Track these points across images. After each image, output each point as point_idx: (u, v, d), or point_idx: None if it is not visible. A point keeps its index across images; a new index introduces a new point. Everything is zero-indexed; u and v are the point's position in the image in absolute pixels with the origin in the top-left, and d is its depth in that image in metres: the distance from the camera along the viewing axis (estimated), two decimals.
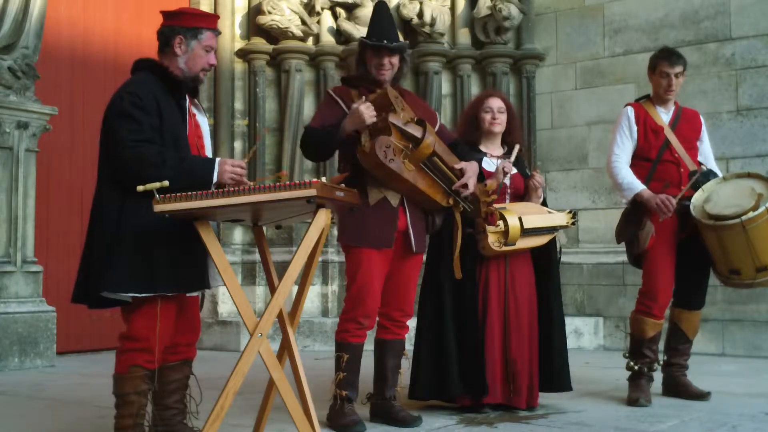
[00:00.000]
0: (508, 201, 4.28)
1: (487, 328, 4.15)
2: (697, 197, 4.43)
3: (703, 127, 4.74)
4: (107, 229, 3.02)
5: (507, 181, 4.27)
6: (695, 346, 4.95)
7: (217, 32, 3.29)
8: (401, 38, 4.06)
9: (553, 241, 4.34)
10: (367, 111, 3.62)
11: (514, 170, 4.31)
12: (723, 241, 4.35)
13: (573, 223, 4.36)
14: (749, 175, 4.50)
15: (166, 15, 3.26)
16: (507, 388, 4.15)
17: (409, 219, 3.88)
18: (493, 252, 4.10)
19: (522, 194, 4.37)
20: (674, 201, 4.37)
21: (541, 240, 4.25)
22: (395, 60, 3.87)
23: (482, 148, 4.36)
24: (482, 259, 4.19)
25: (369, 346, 3.96)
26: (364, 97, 3.72)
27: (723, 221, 4.28)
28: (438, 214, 4.00)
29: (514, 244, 4.11)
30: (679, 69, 4.59)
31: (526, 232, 4.13)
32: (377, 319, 4.00)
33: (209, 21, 3.28)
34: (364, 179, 3.76)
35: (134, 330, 3.07)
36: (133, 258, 2.98)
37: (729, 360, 6.50)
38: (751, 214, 4.20)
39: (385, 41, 3.80)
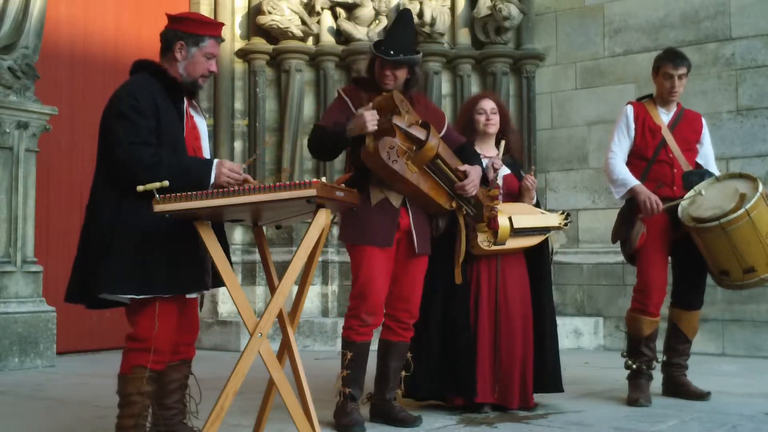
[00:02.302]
0: (501, 201, 4.28)
1: (478, 328, 4.16)
2: (686, 199, 4.44)
3: (704, 130, 4.72)
4: (104, 228, 3.02)
5: (500, 181, 4.28)
6: (695, 346, 4.95)
7: (220, 40, 3.28)
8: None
9: (545, 242, 4.35)
10: (370, 117, 3.62)
11: (503, 167, 4.34)
12: (707, 243, 4.37)
13: (566, 224, 4.37)
14: (740, 176, 4.48)
15: (171, 18, 3.25)
16: (496, 389, 4.14)
17: (412, 219, 3.89)
18: (482, 251, 4.12)
19: (516, 195, 4.38)
20: (662, 207, 4.39)
21: (532, 241, 4.26)
22: (400, 72, 3.85)
23: (476, 148, 4.37)
24: (473, 259, 4.20)
25: (372, 346, 3.96)
26: (371, 104, 3.71)
27: (703, 224, 4.29)
28: (442, 217, 4.01)
29: (504, 244, 4.13)
30: (682, 71, 4.59)
31: (516, 232, 4.14)
32: (384, 320, 4.01)
33: (212, 29, 3.26)
34: (367, 179, 3.78)
35: (139, 330, 3.07)
36: (130, 259, 2.97)
37: (729, 360, 6.50)
38: (730, 217, 4.19)
39: (392, 52, 3.79)
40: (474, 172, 3.90)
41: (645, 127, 4.60)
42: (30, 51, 6.07)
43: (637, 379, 4.55)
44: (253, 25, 7.85)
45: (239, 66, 7.97)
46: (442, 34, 7.91)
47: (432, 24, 7.77)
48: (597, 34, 7.79)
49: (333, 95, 7.02)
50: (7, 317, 5.82)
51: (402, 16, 3.98)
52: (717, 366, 6.05)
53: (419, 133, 3.71)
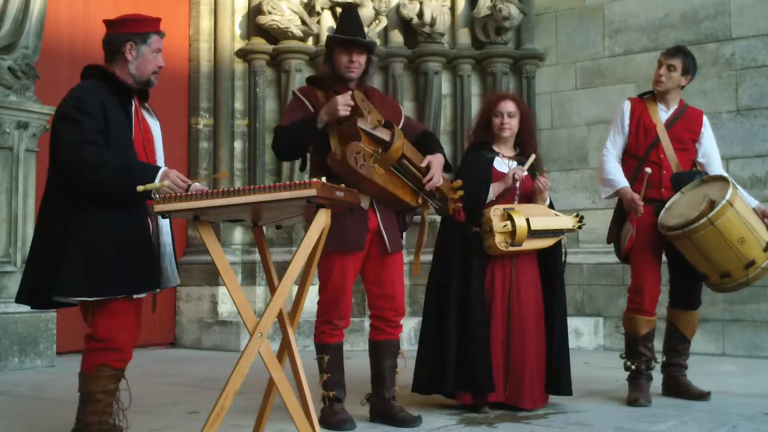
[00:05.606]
0: (516, 202, 4.28)
1: (491, 327, 4.15)
2: (667, 205, 4.42)
3: (704, 128, 4.67)
4: (57, 233, 3.07)
5: (517, 184, 4.27)
6: (695, 346, 4.95)
7: (162, 34, 3.33)
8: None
9: (558, 244, 4.33)
10: (342, 101, 3.62)
11: (525, 174, 4.31)
12: (682, 249, 4.37)
13: (580, 227, 4.35)
14: (721, 179, 4.39)
15: (111, 24, 3.31)
16: (507, 388, 4.15)
17: (380, 220, 3.88)
18: (498, 252, 4.11)
19: (531, 195, 4.36)
20: (641, 209, 4.37)
21: (547, 242, 4.24)
22: (363, 59, 3.87)
23: (495, 148, 4.38)
24: (488, 259, 4.20)
25: (363, 347, 3.96)
26: (352, 92, 3.70)
27: (671, 231, 4.29)
28: (408, 213, 4.02)
29: (521, 245, 4.11)
30: (672, 61, 4.57)
31: (533, 234, 4.12)
32: (370, 321, 4.02)
33: (154, 25, 3.32)
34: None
35: (98, 331, 3.13)
36: (83, 262, 3.02)
37: (729, 360, 6.50)
38: (692, 226, 4.18)
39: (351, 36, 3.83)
40: (436, 162, 3.85)
41: (640, 125, 4.59)
42: (30, 51, 6.07)
43: (637, 379, 4.56)
44: (253, 25, 7.85)
45: (239, 66, 7.97)
46: (442, 34, 7.91)
47: (432, 24, 7.77)
48: (597, 34, 7.79)
49: None
50: (7, 317, 5.82)
51: (349, 10, 4.10)
52: (717, 366, 6.05)
53: (384, 135, 3.69)
